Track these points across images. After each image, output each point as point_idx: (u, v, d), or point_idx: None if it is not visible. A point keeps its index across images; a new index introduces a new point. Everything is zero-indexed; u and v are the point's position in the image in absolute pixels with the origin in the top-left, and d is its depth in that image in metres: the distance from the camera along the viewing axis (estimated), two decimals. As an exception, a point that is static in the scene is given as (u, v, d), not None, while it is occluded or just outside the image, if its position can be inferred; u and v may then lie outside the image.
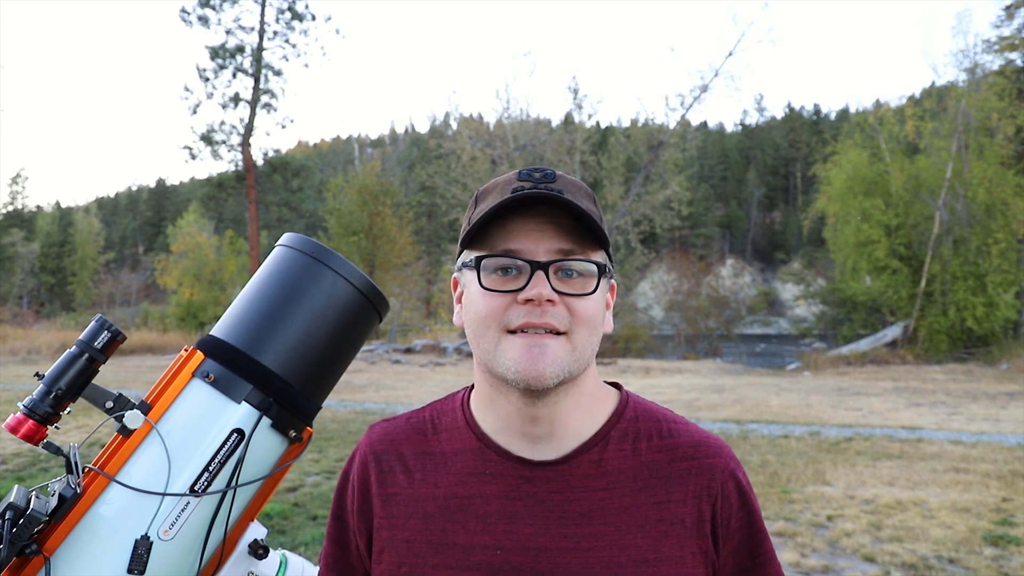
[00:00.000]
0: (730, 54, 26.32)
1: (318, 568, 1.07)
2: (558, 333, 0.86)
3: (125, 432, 0.93)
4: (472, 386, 1.01)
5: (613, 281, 0.95)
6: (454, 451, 0.96)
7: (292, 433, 1.03)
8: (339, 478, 1.04)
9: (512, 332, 0.86)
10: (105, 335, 0.96)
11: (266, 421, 0.99)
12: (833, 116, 74.85)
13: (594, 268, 0.88)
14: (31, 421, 0.91)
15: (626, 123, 43.75)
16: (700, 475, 0.92)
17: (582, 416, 0.94)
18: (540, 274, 0.84)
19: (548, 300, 0.84)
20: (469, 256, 0.90)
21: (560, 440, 0.93)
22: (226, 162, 30.50)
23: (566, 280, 0.86)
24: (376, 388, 14.57)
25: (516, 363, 0.84)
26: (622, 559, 0.87)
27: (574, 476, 0.91)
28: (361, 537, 0.99)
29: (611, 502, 0.90)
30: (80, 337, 0.96)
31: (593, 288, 0.88)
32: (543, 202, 0.85)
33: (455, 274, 0.97)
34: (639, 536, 0.88)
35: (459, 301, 0.96)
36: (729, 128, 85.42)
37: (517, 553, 0.89)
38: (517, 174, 0.91)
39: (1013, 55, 23.49)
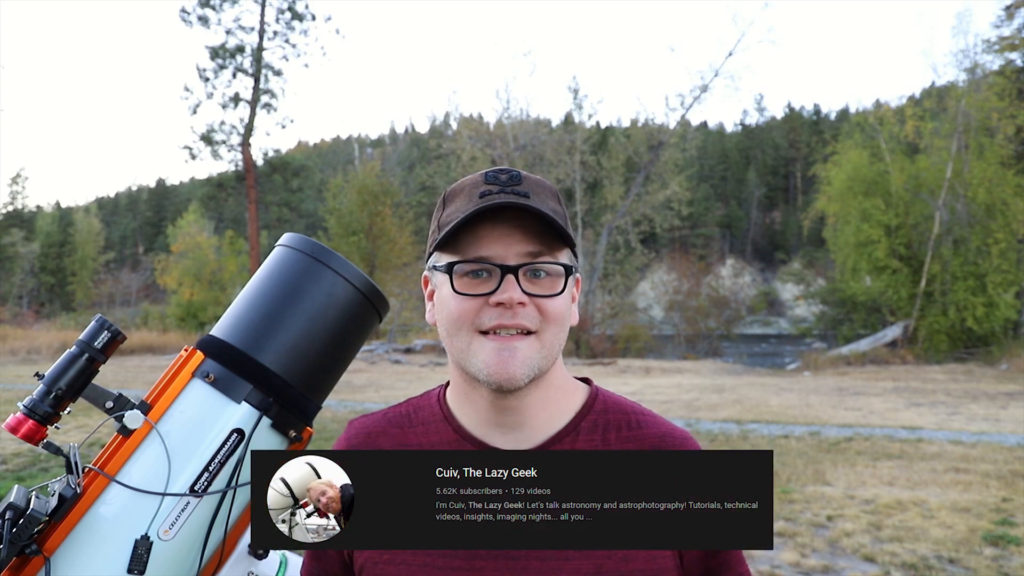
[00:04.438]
0: (730, 54, 26.40)
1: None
2: (528, 332, 0.89)
3: (125, 432, 0.93)
4: (448, 382, 1.04)
5: (578, 275, 0.98)
6: (431, 444, 0.99)
7: (292, 433, 1.03)
8: None
9: (484, 333, 0.89)
10: (105, 335, 0.96)
11: (266, 421, 0.99)
12: (833, 116, 74.77)
13: (561, 269, 0.91)
14: (31, 421, 0.91)
15: (626, 123, 43.72)
16: None
17: (551, 408, 0.98)
18: (510, 278, 0.88)
19: (519, 303, 0.88)
20: (441, 260, 0.93)
21: (532, 431, 0.96)
22: (226, 162, 30.49)
23: (535, 281, 0.90)
24: (376, 388, 14.57)
25: (488, 366, 0.89)
26: None
27: None
28: None
29: None
30: (80, 337, 0.96)
31: (561, 288, 0.91)
32: (511, 207, 0.89)
33: (426, 273, 1.00)
34: None
35: (431, 299, 0.99)
36: (729, 128, 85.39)
37: None
38: (483, 176, 0.93)
39: (1013, 55, 23.50)
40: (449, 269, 0.91)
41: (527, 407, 0.95)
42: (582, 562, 0.89)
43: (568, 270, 0.92)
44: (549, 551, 0.90)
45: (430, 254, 0.97)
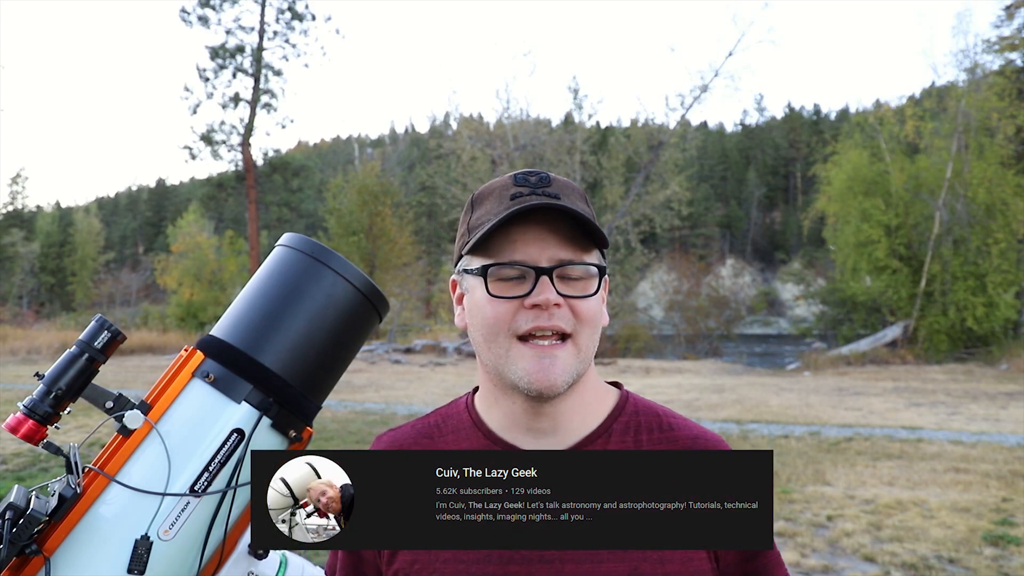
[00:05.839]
0: (730, 54, 26.31)
1: (319, 569, 1.08)
2: (564, 336, 0.89)
3: (125, 432, 0.93)
4: (475, 389, 1.04)
5: (606, 276, 0.98)
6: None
7: (292, 433, 1.03)
8: None
9: (521, 338, 0.89)
10: (105, 335, 0.96)
11: (266, 421, 0.99)
12: (833, 116, 74.74)
13: (594, 270, 0.92)
14: (31, 421, 0.91)
15: (626, 123, 43.68)
16: None
17: (584, 411, 0.97)
18: (545, 279, 0.88)
19: (555, 304, 0.88)
20: (473, 263, 0.93)
21: (564, 434, 0.96)
22: (226, 162, 30.54)
23: (568, 283, 0.90)
24: (376, 388, 14.57)
25: (528, 373, 0.89)
26: None
27: None
28: None
29: None
30: (80, 337, 0.95)
31: (594, 290, 0.91)
32: (544, 209, 0.89)
33: (454, 276, 0.99)
34: None
35: (459, 303, 0.99)
36: (729, 128, 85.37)
37: None
38: (513, 178, 0.93)
39: (1013, 55, 23.52)
40: (484, 272, 0.90)
41: (562, 412, 0.95)
42: (617, 564, 0.89)
43: (601, 271, 0.92)
44: (584, 553, 0.89)
45: (459, 257, 0.97)
